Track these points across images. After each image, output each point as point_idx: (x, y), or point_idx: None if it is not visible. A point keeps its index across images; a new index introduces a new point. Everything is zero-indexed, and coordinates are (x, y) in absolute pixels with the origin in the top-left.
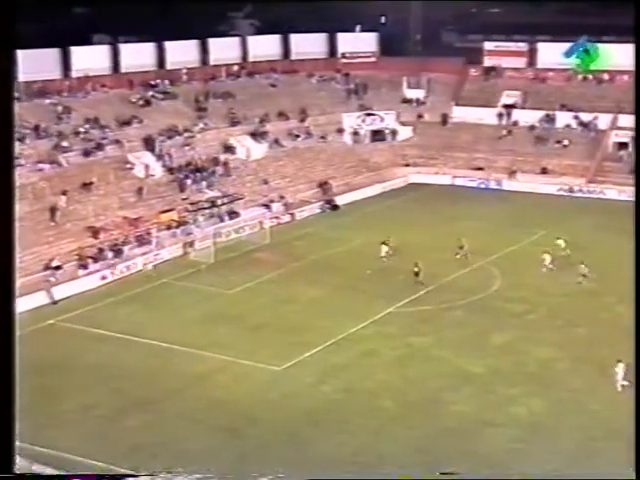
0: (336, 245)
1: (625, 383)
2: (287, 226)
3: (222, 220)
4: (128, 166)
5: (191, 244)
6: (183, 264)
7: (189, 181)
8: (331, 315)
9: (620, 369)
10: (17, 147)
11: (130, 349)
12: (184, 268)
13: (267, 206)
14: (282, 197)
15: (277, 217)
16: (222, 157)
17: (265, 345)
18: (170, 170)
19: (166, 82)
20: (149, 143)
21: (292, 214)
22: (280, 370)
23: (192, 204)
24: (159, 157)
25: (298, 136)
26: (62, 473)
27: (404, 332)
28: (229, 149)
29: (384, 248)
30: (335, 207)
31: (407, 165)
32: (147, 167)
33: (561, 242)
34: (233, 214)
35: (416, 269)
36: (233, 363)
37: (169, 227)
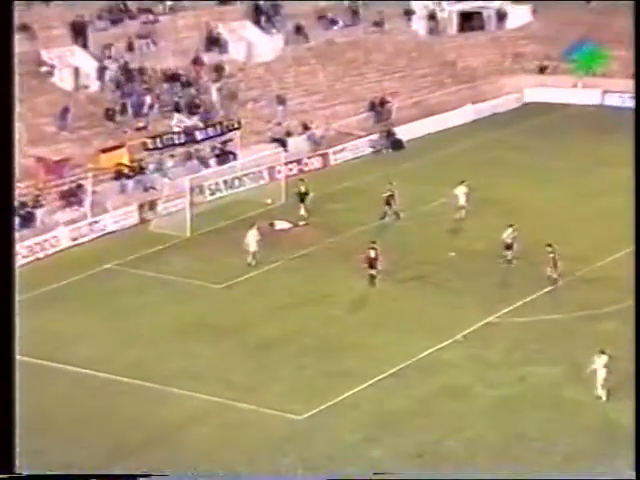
0: (398, 209)
1: (602, 395)
2: (316, 176)
3: (205, 165)
4: (43, 70)
5: (152, 205)
6: (139, 239)
7: (149, 98)
8: (391, 326)
9: (600, 364)
10: None
11: (51, 382)
12: (140, 246)
13: (282, 142)
14: (307, 127)
15: (299, 161)
16: (205, 57)
17: (278, 376)
18: (115, 79)
19: None
20: (79, 31)
21: (324, 156)
22: (302, 420)
23: (154, 137)
24: (97, 56)
25: (335, 22)
26: (62, 473)
27: (513, 357)
28: (217, 43)
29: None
30: (397, 144)
31: (523, 72)
32: (76, 72)
33: None
34: (224, 155)
35: (551, 253)
36: (223, 407)
37: (117, 176)
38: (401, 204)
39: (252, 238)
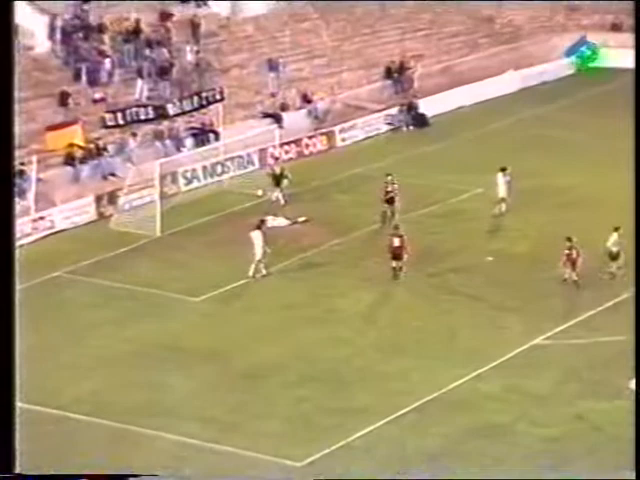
0: (421, 202)
1: None
2: (318, 160)
3: (179, 147)
4: None
5: (112, 197)
6: (96, 239)
7: (108, 63)
8: (412, 350)
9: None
10: None
11: None
12: (98, 248)
13: (276, 118)
14: (307, 99)
15: (297, 141)
16: (177, 12)
17: (270, 413)
18: (67, 38)
19: None
20: None
21: (329, 135)
22: (301, 467)
23: (114, 112)
24: (42, 10)
25: None
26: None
27: (566, 389)
28: None
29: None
30: (420, 120)
31: (579, 30)
32: (16, 30)
33: None
34: (202, 135)
35: (568, 250)
36: (201, 450)
37: (68, 160)
38: (421, 198)
39: (258, 242)
